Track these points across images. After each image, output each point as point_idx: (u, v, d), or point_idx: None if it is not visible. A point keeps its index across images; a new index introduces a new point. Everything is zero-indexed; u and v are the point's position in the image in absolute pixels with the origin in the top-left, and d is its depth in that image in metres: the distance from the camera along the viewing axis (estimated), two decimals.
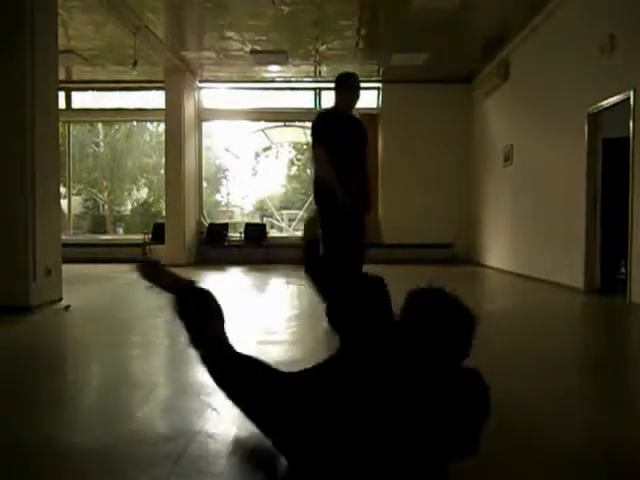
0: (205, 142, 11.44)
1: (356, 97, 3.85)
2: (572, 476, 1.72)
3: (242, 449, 1.93)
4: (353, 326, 1.86)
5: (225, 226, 11.18)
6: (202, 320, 1.93)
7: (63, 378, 2.91)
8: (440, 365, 1.56)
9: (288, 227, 14.24)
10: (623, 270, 5.95)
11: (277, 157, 19.26)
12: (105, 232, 16.27)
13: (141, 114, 12.00)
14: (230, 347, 1.92)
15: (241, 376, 1.77)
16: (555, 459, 1.81)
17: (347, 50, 8.86)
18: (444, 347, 1.58)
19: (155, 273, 1.90)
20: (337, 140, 3.67)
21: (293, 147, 18.64)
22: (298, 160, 19.78)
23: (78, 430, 2.11)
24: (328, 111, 3.99)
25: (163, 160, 10.51)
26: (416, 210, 10.42)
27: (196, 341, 1.93)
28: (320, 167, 3.73)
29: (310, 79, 10.59)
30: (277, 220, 14.94)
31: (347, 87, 3.84)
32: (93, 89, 11.40)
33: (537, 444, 1.92)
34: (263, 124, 12.10)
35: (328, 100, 11.06)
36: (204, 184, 11.66)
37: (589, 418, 2.28)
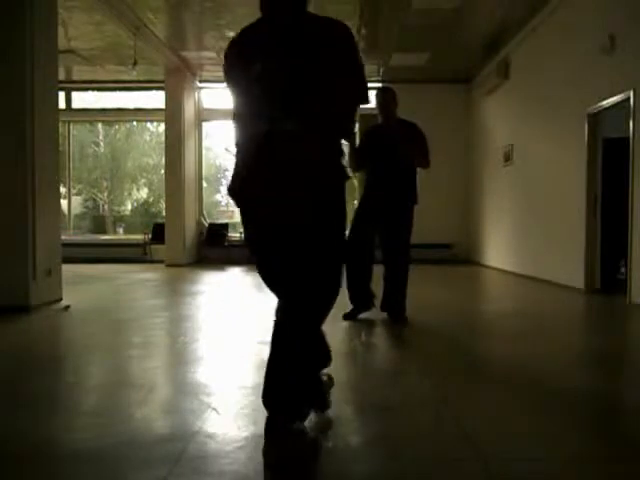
0: (205, 142, 11.44)
1: (380, 110, 4.46)
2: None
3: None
4: None
5: (225, 226, 11.18)
6: None
7: (62, 378, 2.91)
8: None
9: None
10: (623, 270, 5.95)
11: None
12: (105, 232, 16.25)
13: (141, 114, 12.00)
14: None
15: None
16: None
17: None
18: None
19: None
20: (367, 150, 4.41)
21: None
22: None
23: (77, 431, 2.11)
24: (371, 127, 4.67)
25: (163, 160, 10.50)
26: (416, 210, 10.39)
27: None
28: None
29: None
30: None
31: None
32: (93, 89, 11.40)
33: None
34: None
35: None
36: (204, 184, 11.65)
37: (589, 415, 2.28)
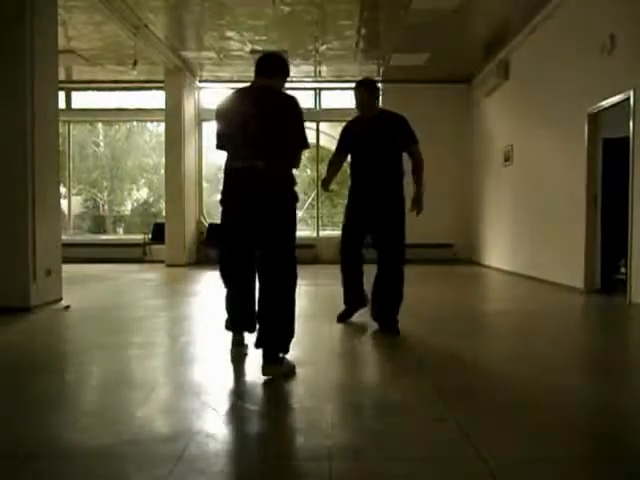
0: (205, 142, 11.43)
1: (356, 106, 4.07)
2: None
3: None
4: None
5: None
6: None
7: (63, 378, 2.92)
8: None
9: None
10: (623, 270, 5.94)
11: None
12: (105, 232, 16.23)
13: (141, 114, 11.99)
14: None
15: None
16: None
17: (347, 50, 8.85)
18: None
19: None
20: (348, 145, 4.16)
21: None
22: None
23: (78, 430, 2.11)
24: (352, 119, 4.32)
25: (163, 160, 10.50)
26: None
27: None
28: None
29: (310, 79, 10.58)
30: None
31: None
32: (93, 89, 11.39)
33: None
34: None
35: (327, 100, 11.10)
36: (204, 184, 11.64)
37: (589, 415, 2.29)
